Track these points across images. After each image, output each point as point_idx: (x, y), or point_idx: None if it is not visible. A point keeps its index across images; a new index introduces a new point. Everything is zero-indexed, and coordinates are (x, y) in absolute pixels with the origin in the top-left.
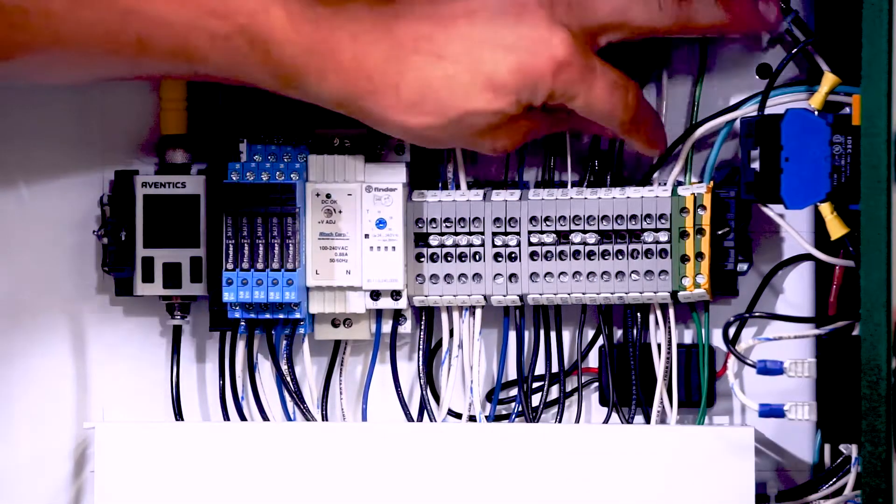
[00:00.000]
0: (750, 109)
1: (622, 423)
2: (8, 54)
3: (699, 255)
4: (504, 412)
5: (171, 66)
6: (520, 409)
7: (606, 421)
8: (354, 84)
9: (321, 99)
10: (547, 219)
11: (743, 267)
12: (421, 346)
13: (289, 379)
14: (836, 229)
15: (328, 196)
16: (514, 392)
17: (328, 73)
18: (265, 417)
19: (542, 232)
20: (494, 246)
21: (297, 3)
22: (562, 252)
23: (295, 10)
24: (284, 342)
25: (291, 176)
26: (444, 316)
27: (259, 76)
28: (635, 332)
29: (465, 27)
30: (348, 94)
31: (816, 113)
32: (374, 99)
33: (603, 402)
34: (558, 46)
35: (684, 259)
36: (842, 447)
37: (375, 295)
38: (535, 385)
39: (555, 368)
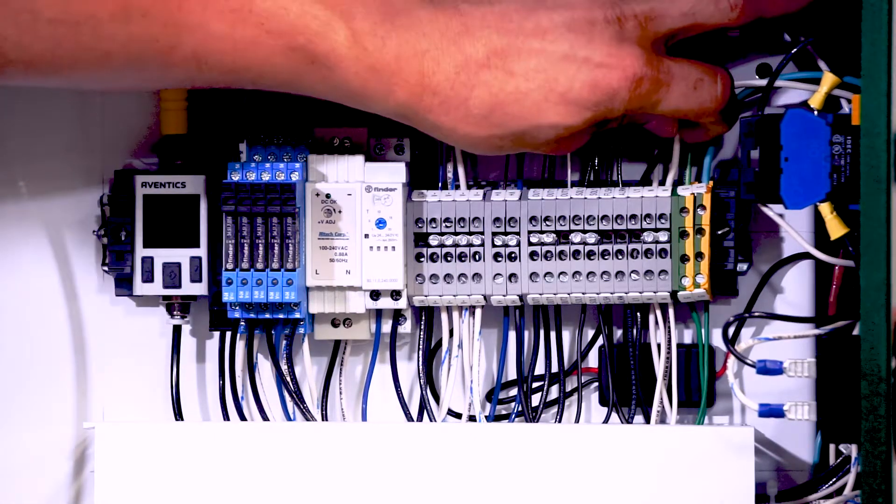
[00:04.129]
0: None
1: (622, 423)
2: (56, 70)
3: (699, 255)
4: (504, 412)
5: (230, 79)
6: (520, 409)
7: (606, 421)
8: (419, 98)
9: (384, 112)
10: (547, 219)
11: (743, 267)
12: (421, 346)
13: (289, 379)
14: (835, 229)
15: (328, 196)
16: (513, 392)
17: (393, 89)
18: (265, 417)
19: (541, 232)
20: (494, 246)
21: (365, 20)
22: (562, 252)
23: (361, 29)
24: (284, 342)
25: (291, 176)
26: (444, 316)
27: (320, 90)
28: (635, 332)
29: (536, 43)
30: (413, 109)
31: (816, 113)
32: (440, 112)
33: (603, 402)
34: (630, 62)
35: (684, 259)
36: (842, 447)
37: (375, 295)
38: (535, 385)
39: (555, 368)
